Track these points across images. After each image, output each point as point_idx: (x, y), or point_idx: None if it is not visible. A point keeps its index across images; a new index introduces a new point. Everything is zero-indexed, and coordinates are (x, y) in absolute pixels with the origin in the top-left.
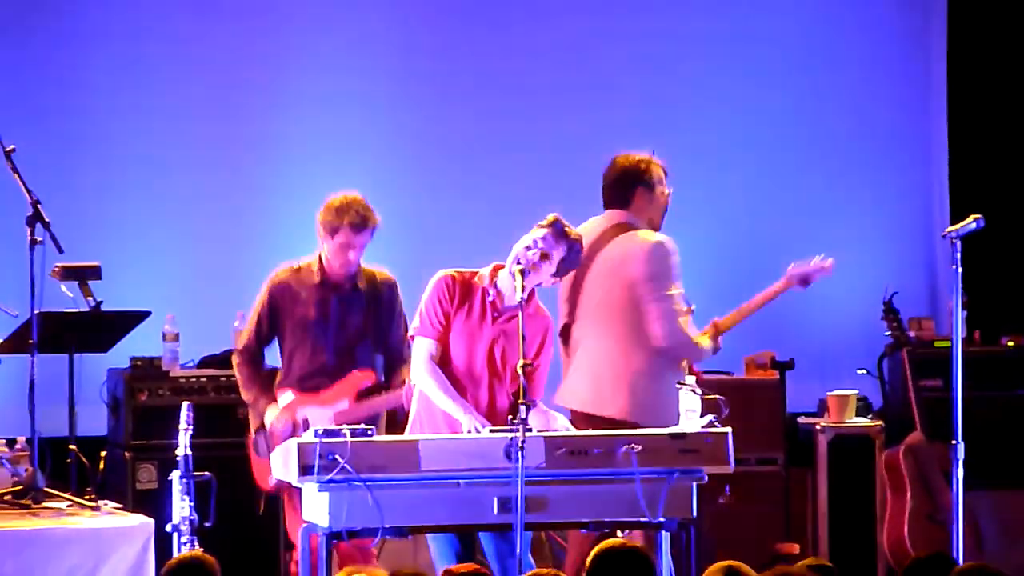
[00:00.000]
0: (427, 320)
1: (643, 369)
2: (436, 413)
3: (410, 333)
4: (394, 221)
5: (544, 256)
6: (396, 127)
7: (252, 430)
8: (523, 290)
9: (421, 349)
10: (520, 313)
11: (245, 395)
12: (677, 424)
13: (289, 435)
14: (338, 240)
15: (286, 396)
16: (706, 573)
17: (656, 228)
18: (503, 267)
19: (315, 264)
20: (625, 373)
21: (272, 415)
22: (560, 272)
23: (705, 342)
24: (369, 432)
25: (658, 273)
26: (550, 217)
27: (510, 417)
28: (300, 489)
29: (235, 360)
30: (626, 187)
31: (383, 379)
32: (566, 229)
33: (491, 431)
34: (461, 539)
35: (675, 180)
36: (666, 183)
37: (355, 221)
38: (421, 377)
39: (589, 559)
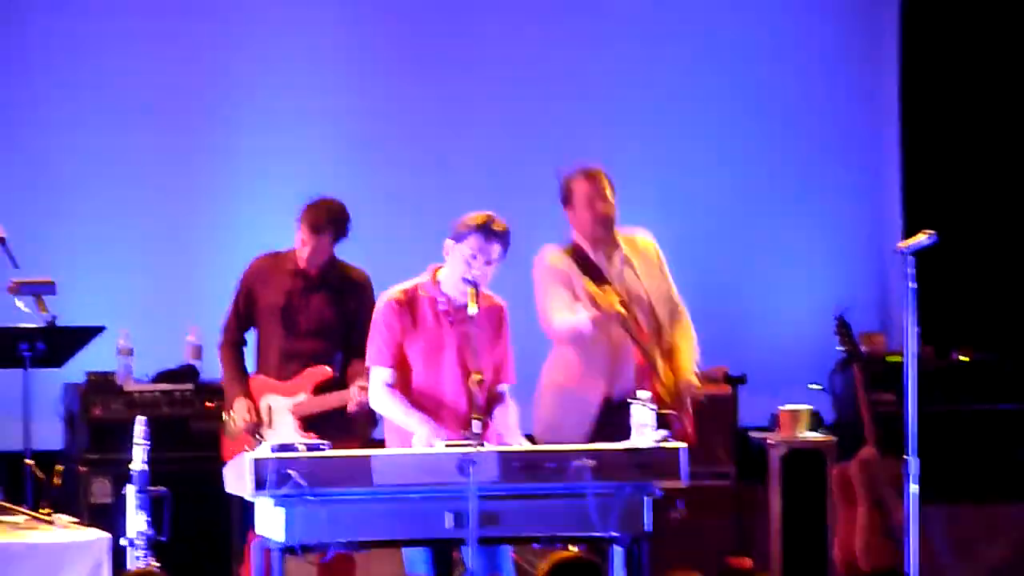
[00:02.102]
0: (379, 350)
1: (545, 380)
2: (406, 435)
3: (366, 363)
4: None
5: (488, 263)
6: (353, 141)
7: (225, 411)
8: (477, 303)
9: (377, 378)
10: (474, 327)
11: (223, 377)
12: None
13: (252, 426)
14: (298, 235)
15: (256, 382)
16: None
17: (596, 240)
18: (441, 267)
19: (292, 253)
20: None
21: (239, 408)
22: (502, 259)
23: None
24: (323, 447)
25: (535, 284)
26: (473, 221)
27: (463, 433)
28: None
29: (218, 341)
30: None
31: (338, 374)
32: (493, 227)
33: (445, 446)
34: (435, 554)
35: (629, 196)
36: (597, 196)
37: (311, 219)
38: (380, 404)
39: (542, 571)
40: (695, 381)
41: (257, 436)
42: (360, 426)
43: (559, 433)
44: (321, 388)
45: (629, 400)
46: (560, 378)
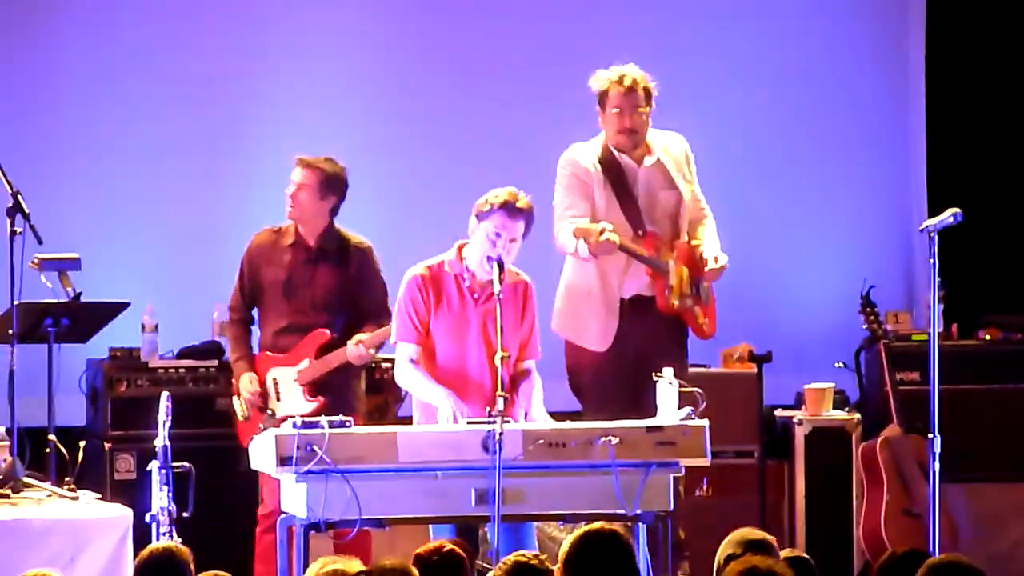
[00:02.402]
0: (404, 325)
1: (564, 280)
2: (431, 409)
3: (392, 340)
4: (369, 210)
5: (512, 240)
6: (373, 118)
7: (234, 392)
8: (502, 281)
9: (403, 354)
10: (499, 305)
11: (230, 355)
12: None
13: (259, 400)
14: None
15: (260, 359)
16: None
17: (616, 146)
18: (466, 244)
19: (292, 227)
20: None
21: (244, 382)
22: (526, 236)
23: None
24: (347, 423)
25: (556, 185)
26: (496, 199)
27: (488, 410)
28: None
29: (224, 319)
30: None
31: (338, 335)
32: (517, 204)
33: (469, 423)
34: (460, 531)
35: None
36: (628, 107)
37: (302, 156)
38: (403, 378)
39: (568, 543)
40: (716, 264)
41: (268, 412)
42: (357, 396)
43: (580, 335)
44: (323, 352)
45: (656, 376)
46: (575, 280)
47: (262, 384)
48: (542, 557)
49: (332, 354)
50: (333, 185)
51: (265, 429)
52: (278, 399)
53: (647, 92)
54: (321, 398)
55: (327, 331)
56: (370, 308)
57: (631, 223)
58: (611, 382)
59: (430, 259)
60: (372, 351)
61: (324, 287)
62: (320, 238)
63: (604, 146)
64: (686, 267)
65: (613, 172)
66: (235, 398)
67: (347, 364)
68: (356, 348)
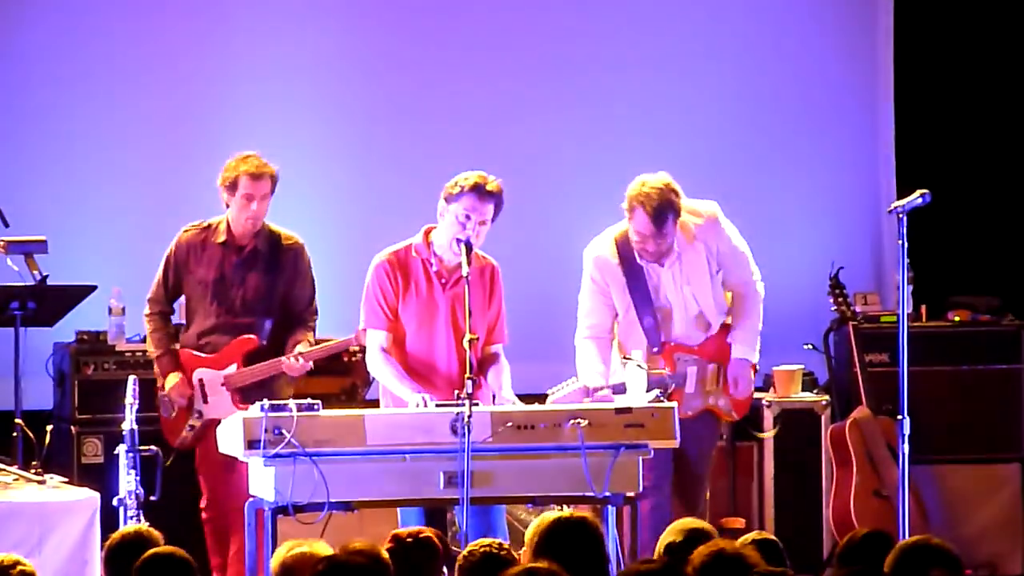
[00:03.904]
0: (373, 312)
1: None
2: (399, 399)
3: (360, 326)
4: (339, 192)
5: (481, 223)
6: (342, 97)
7: (159, 387)
8: (470, 263)
9: (373, 341)
10: (467, 287)
11: (150, 350)
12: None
13: (185, 399)
14: (239, 193)
15: (185, 357)
16: (668, 530)
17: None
18: (434, 228)
19: (223, 224)
20: None
21: (171, 381)
22: (495, 220)
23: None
24: (315, 407)
25: (582, 279)
26: (466, 181)
27: (456, 393)
28: (214, 448)
29: (144, 311)
30: None
31: (265, 342)
32: (487, 187)
33: (437, 405)
34: (429, 514)
35: (624, 160)
36: (650, 235)
37: (251, 170)
38: (375, 368)
39: (535, 529)
40: (747, 357)
41: (195, 412)
42: (285, 390)
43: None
44: (250, 357)
45: (624, 359)
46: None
47: (189, 381)
48: (507, 546)
49: (266, 363)
50: (274, 188)
51: (192, 429)
52: (205, 400)
53: (676, 215)
54: (248, 406)
55: (254, 337)
56: (298, 308)
57: (648, 336)
58: None
59: (395, 245)
60: (311, 363)
61: (255, 289)
62: (254, 238)
63: (624, 241)
64: (714, 362)
65: (632, 274)
66: (160, 391)
67: (280, 373)
68: (294, 361)
